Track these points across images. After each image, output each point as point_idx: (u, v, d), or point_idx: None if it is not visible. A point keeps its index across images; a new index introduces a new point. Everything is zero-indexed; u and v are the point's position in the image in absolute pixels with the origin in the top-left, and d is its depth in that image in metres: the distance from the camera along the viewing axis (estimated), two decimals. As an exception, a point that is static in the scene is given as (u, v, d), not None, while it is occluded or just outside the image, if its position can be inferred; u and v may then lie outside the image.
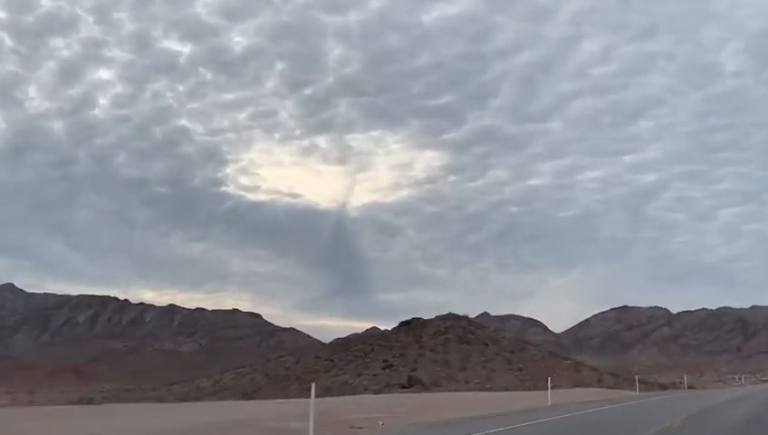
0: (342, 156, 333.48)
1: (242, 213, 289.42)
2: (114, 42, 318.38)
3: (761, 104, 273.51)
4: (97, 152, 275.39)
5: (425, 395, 47.97)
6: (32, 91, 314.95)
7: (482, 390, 55.98)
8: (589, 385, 60.05)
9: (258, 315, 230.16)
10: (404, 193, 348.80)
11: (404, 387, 59.93)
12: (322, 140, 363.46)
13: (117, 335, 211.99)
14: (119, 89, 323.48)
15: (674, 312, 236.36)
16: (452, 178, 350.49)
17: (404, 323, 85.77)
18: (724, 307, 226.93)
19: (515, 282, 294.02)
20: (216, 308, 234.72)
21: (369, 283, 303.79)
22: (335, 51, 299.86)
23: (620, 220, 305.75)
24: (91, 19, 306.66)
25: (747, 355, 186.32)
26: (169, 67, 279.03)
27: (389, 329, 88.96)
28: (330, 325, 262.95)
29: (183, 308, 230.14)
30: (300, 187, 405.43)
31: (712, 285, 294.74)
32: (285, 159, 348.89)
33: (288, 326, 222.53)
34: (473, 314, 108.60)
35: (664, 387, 70.37)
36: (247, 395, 64.35)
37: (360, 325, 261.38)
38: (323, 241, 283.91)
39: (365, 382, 64.92)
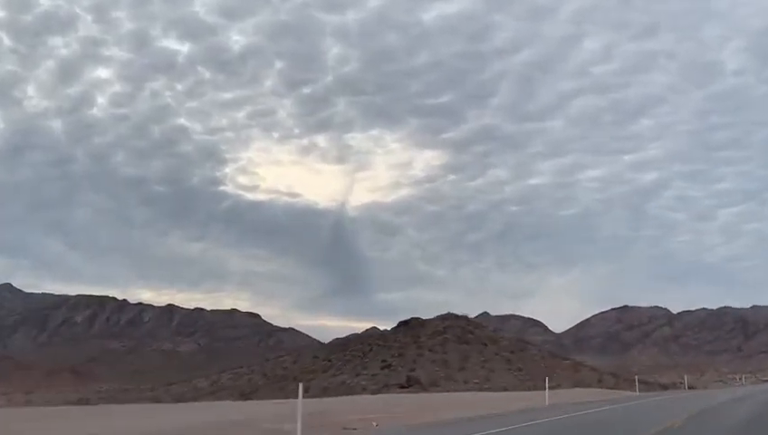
0: (341, 155, 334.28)
1: (240, 212, 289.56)
2: (113, 41, 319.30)
3: (761, 103, 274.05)
4: (95, 151, 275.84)
5: (422, 395, 47.66)
6: (30, 90, 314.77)
7: (481, 390, 55.62)
8: (589, 385, 59.70)
9: (257, 315, 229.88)
10: (403, 192, 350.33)
11: (402, 387, 59.55)
12: (321, 139, 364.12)
13: (115, 335, 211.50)
14: (117, 88, 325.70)
15: (674, 311, 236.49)
16: (451, 177, 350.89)
17: (402, 323, 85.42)
18: (725, 307, 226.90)
19: (515, 281, 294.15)
20: (214, 308, 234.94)
21: (368, 282, 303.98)
22: (334, 50, 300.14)
23: (621, 219, 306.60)
24: (89, 18, 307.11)
25: (748, 355, 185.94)
26: (168, 66, 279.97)
27: (389, 329, 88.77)
28: (329, 325, 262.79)
29: (182, 308, 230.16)
30: (299, 186, 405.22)
31: (712, 284, 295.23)
32: (284, 159, 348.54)
33: (287, 326, 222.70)
34: (473, 314, 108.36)
35: (664, 387, 70.06)
36: (245, 395, 64.00)
37: (360, 325, 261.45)
38: (322, 241, 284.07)
39: (363, 383, 64.53)
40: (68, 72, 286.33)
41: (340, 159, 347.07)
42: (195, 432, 18.78)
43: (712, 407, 26.47)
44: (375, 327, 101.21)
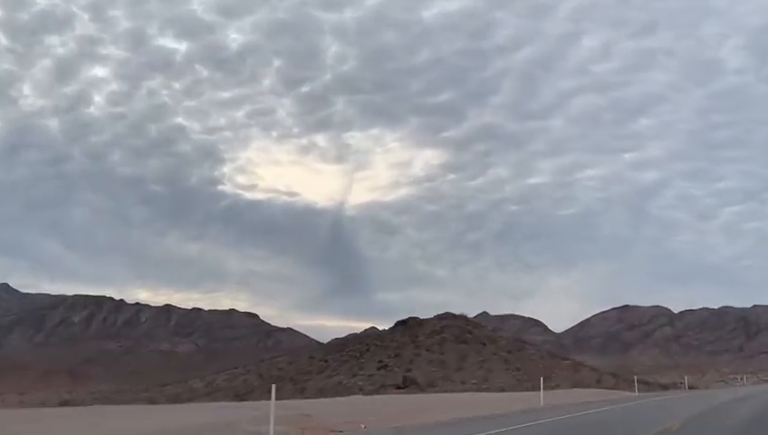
0: (341, 154, 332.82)
1: (239, 212, 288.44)
2: (109, 39, 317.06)
3: (762, 101, 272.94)
4: (92, 150, 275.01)
5: (417, 396, 46.92)
6: (26, 88, 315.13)
7: (478, 390, 54.84)
8: (588, 386, 58.88)
9: (255, 315, 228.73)
10: (403, 192, 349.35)
11: (399, 388, 58.78)
12: (320, 139, 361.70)
13: (112, 336, 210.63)
14: (114, 86, 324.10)
15: (675, 311, 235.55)
16: (451, 176, 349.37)
17: (400, 323, 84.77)
18: (726, 307, 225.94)
19: (515, 281, 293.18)
20: (212, 308, 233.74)
21: (367, 282, 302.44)
22: (332, 48, 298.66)
23: (621, 219, 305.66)
24: (86, 16, 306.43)
25: (749, 355, 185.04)
26: (165, 65, 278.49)
27: (387, 329, 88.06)
28: (328, 325, 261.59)
29: (179, 308, 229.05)
30: (298, 185, 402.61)
31: (714, 284, 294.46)
32: (283, 158, 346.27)
33: (286, 326, 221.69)
34: (472, 314, 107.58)
35: (664, 387, 69.23)
36: (240, 396, 63.15)
37: (359, 325, 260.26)
38: (321, 240, 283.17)
39: (359, 383, 63.77)
40: (64, 70, 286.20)
41: (340, 159, 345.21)
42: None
43: (713, 407, 25.86)
44: (374, 327, 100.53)
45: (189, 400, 65.69)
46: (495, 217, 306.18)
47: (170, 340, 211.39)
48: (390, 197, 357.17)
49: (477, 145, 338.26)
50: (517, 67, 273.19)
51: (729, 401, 31.92)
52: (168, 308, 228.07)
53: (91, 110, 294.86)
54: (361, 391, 58.61)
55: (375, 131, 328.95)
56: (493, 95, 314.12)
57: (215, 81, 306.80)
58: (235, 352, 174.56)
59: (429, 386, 59.20)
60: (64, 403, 69.81)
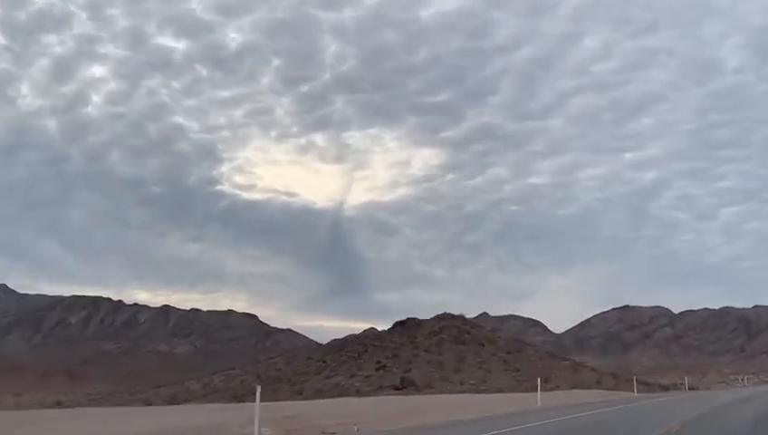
0: (340, 154, 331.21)
1: (237, 212, 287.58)
2: (108, 38, 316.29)
3: (762, 101, 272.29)
4: (91, 150, 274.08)
5: (414, 397, 46.38)
6: (24, 88, 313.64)
7: (477, 391, 54.27)
8: (588, 386, 58.35)
9: (254, 316, 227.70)
10: (401, 192, 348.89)
11: (397, 389, 58.23)
12: (319, 138, 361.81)
13: (110, 337, 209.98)
14: (112, 86, 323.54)
15: (676, 312, 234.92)
16: (450, 176, 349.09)
17: (399, 324, 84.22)
18: (727, 307, 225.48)
19: (515, 281, 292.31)
20: (211, 309, 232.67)
21: (366, 283, 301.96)
22: (331, 47, 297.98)
23: (621, 219, 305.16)
24: (84, 15, 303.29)
25: (750, 356, 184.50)
26: (164, 64, 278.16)
27: (386, 329, 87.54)
28: (327, 326, 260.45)
29: (178, 309, 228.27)
30: (296, 185, 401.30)
31: (714, 284, 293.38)
32: (282, 158, 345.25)
33: (284, 327, 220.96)
34: (472, 315, 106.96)
35: (665, 388, 68.68)
36: (237, 398, 62.49)
37: (358, 326, 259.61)
38: (320, 241, 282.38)
39: (357, 384, 63.21)
40: (63, 70, 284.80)
41: (339, 159, 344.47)
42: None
43: (714, 408, 25.34)
44: (373, 328, 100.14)
45: (186, 401, 65.20)
46: (495, 218, 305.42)
47: (169, 341, 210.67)
48: (389, 197, 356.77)
49: (476, 145, 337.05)
50: (516, 67, 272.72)
51: (731, 401, 31.45)
52: (167, 309, 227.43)
53: (90, 109, 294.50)
54: (359, 392, 58.07)
55: (373, 131, 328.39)
56: (492, 95, 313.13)
57: (214, 80, 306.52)
58: (233, 353, 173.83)
59: (427, 387, 58.63)
60: (58, 405, 69.24)
